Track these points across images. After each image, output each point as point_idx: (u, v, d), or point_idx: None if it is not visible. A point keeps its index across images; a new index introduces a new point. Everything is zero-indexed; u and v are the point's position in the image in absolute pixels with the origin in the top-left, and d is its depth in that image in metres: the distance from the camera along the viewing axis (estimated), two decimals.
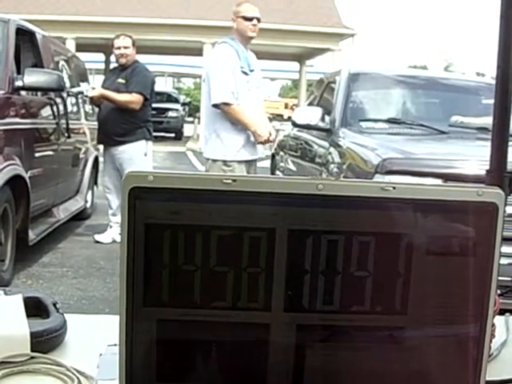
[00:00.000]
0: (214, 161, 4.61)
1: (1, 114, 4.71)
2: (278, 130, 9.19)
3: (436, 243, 0.78)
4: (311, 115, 5.65)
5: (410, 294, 0.78)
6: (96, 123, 6.74)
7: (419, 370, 0.80)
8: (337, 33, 24.08)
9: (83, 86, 7.38)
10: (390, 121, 5.52)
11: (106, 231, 6.51)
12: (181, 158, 17.65)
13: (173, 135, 24.53)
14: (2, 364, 0.96)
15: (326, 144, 5.48)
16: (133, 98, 6.09)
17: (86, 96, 6.77)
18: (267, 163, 8.69)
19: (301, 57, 27.61)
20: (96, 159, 7.99)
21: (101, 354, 1.03)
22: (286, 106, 38.69)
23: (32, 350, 1.00)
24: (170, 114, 24.32)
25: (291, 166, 6.97)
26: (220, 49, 4.64)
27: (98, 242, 6.41)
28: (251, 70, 4.65)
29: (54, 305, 1.14)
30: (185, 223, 0.74)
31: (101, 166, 7.90)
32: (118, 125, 6.15)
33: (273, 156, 8.58)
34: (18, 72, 5.20)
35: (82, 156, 7.36)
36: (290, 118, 8.02)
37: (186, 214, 0.74)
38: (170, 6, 22.92)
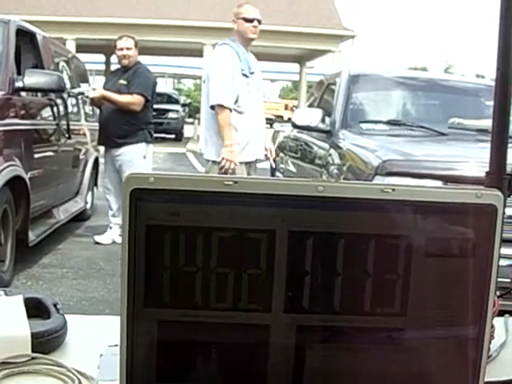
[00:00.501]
0: (215, 162, 4.60)
1: (1, 115, 4.71)
2: (277, 131, 9.20)
3: (435, 245, 0.78)
4: (311, 117, 5.65)
5: (410, 295, 0.78)
6: (96, 124, 6.74)
7: (418, 372, 0.80)
8: (337, 34, 24.09)
9: (83, 87, 7.38)
10: (390, 122, 5.53)
11: (105, 232, 6.50)
12: (181, 159, 17.66)
13: (173, 136, 24.53)
14: (2, 365, 0.97)
15: (326, 145, 5.49)
16: (134, 100, 6.07)
17: (87, 97, 6.76)
18: (267, 164, 8.68)
19: (301, 58, 27.62)
20: (96, 160, 7.99)
21: (101, 355, 1.03)
22: (286, 108, 38.72)
23: (33, 351, 1.01)
24: (171, 115, 24.32)
25: (291, 168, 6.97)
26: (220, 51, 4.63)
27: (97, 243, 6.41)
28: (251, 73, 4.64)
29: (55, 305, 1.15)
30: (185, 225, 0.75)
31: (101, 168, 7.90)
32: (118, 126, 6.12)
33: (273, 158, 8.56)
34: (19, 73, 5.20)
35: (82, 157, 7.36)
36: (290, 120, 8.02)
37: (187, 215, 0.75)
38: (171, 7, 22.93)
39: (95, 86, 7.16)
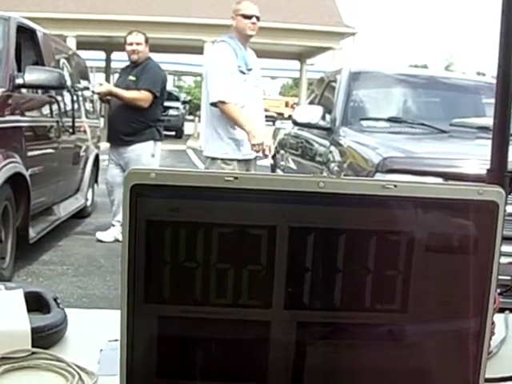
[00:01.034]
0: (214, 159, 4.60)
1: (1, 112, 4.71)
2: (278, 128, 9.20)
3: (436, 241, 0.78)
4: (312, 114, 5.65)
5: (411, 291, 0.78)
6: (96, 121, 6.70)
7: (419, 367, 0.80)
8: (338, 32, 24.08)
9: (88, 83, 7.34)
10: (390, 120, 5.52)
11: (108, 230, 6.45)
12: (181, 156, 17.66)
13: (173, 133, 24.53)
14: (2, 360, 0.96)
15: (326, 143, 5.49)
16: (141, 96, 5.98)
17: (93, 92, 6.72)
18: (267, 161, 8.68)
19: (302, 55, 27.61)
20: (97, 157, 7.99)
21: (101, 350, 1.03)
22: (287, 105, 38.76)
23: (33, 346, 1.00)
24: (171, 112, 24.30)
25: (292, 165, 6.97)
26: (218, 48, 4.63)
27: (100, 240, 6.35)
28: (249, 69, 4.64)
29: (55, 300, 1.15)
30: (186, 220, 0.75)
31: (103, 164, 7.89)
32: (126, 124, 6.03)
33: (273, 154, 8.57)
34: (19, 70, 5.19)
35: (82, 154, 7.35)
36: (290, 117, 8.02)
37: (188, 211, 0.75)
38: (171, 4, 22.92)
39: (102, 81, 7.10)
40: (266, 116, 5.12)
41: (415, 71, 8.42)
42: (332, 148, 5.28)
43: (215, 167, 4.54)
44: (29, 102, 5.39)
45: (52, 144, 5.92)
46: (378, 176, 4.11)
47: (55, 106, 5.99)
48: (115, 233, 6.30)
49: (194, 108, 33.40)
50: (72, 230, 6.91)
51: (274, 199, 0.75)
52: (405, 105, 6.00)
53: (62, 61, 6.91)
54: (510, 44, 1.81)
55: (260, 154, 4.58)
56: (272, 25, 18.68)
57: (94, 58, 24.26)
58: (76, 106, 7.13)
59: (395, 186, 0.76)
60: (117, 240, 6.15)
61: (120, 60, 15.97)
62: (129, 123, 6.05)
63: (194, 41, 22.85)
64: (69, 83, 6.62)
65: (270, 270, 0.76)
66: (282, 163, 7.66)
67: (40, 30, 6.01)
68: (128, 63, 6.40)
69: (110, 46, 25.24)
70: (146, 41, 6.26)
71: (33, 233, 5.31)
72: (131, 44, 6.17)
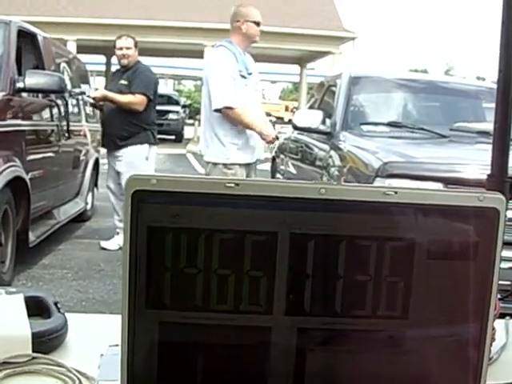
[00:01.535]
0: (215, 164, 4.60)
1: (2, 116, 4.71)
2: (278, 133, 9.20)
3: (437, 248, 0.78)
4: (312, 118, 5.65)
5: (411, 297, 0.78)
6: (97, 125, 6.70)
7: (420, 374, 0.80)
8: (338, 36, 24.11)
9: (85, 87, 7.35)
10: (390, 124, 5.52)
11: (112, 239, 6.33)
12: (181, 160, 17.66)
13: (173, 137, 24.53)
14: (3, 364, 0.96)
15: (326, 147, 5.49)
16: (136, 99, 5.99)
17: (88, 96, 6.72)
18: (267, 166, 8.69)
19: (301, 60, 27.63)
20: (96, 161, 7.99)
21: (102, 355, 1.03)
22: (287, 109, 38.72)
23: (33, 351, 1.00)
24: (171, 116, 24.33)
25: (291, 169, 6.97)
26: (217, 52, 4.62)
27: (103, 248, 6.24)
28: (249, 73, 4.64)
29: (56, 304, 1.14)
30: (187, 226, 0.75)
31: (102, 168, 7.88)
32: (120, 127, 6.03)
33: (273, 159, 8.58)
34: (20, 74, 5.20)
35: (82, 158, 7.36)
36: (290, 121, 8.02)
37: (189, 217, 0.75)
38: (171, 8, 22.95)
39: (97, 87, 7.10)
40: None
41: (415, 76, 8.42)
42: (332, 152, 5.29)
43: (217, 172, 4.53)
44: (29, 106, 5.39)
45: (52, 148, 5.92)
46: (378, 181, 4.11)
47: (55, 110, 5.99)
48: (120, 241, 6.17)
49: (193, 112, 33.39)
50: (72, 234, 6.91)
51: (275, 205, 0.75)
52: (405, 109, 6.00)
53: (63, 65, 6.92)
54: (510, 49, 1.81)
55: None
56: (272, 29, 18.69)
57: (94, 61, 24.29)
58: (76, 110, 7.14)
59: (396, 192, 0.76)
60: (121, 248, 6.05)
61: None
62: (123, 127, 6.03)
63: (194, 45, 22.87)
64: (69, 87, 6.62)
65: (271, 276, 0.76)
66: (282, 167, 7.65)
67: (40, 34, 6.02)
68: (118, 67, 6.41)
69: (110, 50, 25.11)
70: (136, 45, 6.24)
71: (33, 236, 5.31)
72: (121, 48, 6.16)
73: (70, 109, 6.54)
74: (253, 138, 4.64)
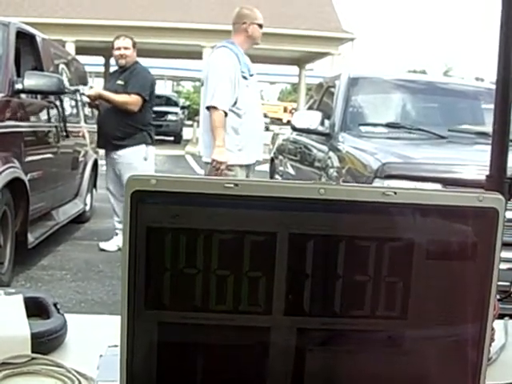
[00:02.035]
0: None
1: (0, 117, 4.71)
2: (277, 134, 9.20)
3: (436, 248, 0.78)
4: (311, 119, 5.65)
5: (411, 298, 0.78)
6: (95, 126, 6.69)
7: (419, 374, 0.80)
8: (336, 37, 24.11)
9: (80, 87, 7.34)
10: (389, 125, 5.53)
11: (111, 240, 6.33)
12: (180, 161, 17.66)
13: (172, 139, 24.53)
14: (2, 365, 0.96)
15: (325, 148, 5.49)
16: (131, 99, 5.94)
17: (83, 94, 6.68)
18: (266, 167, 8.69)
19: (300, 61, 27.63)
20: (95, 162, 7.98)
21: (101, 355, 1.03)
22: (285, 110, 38.79)
23: (33, 351, 1.00)
24: (170, 117, 24.32)
25: (290, 170, 6.98)
26: (220, 53, 4.61)
27: (102, 249, 6.23)
28: (251, 75, 4.65)
29: (55, 305, 1.15)
30: (186, 227, 0.75)
31: (101, 170, 7.88)
32: (116, 128, 5.99)
33: (272, 160, 8.58)
34: (18, 75, 5.20)
35: (81, 159, 7.36)
36: (289, 122, 8.03)
37: (188, 217, 0.75)
38: (170, 9, 22.95)
39: (93, 85, 7.08)
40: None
41: (414, 77, 8.42)
42: (331, 153, 5.29)
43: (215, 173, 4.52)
44: (28, 107, 5.39)
45: (51, 149, 5.92)
46: (377, 181, 4.11)
47: (54, 111, 5.99)
48: (119, 242, 6.11)
49: (192, 113, 33.37)
50: (71, 235, 6.91)
51: (275, 206, 0.75)
52: (403, 110, 6.01)
53: (61, 66, 6.92)
54: (509, 49, 1.81)
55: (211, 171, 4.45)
56: (271, 30, 18.66)
57: (92, 63, 24.27)
58: (75, 111, 7.14)
59: (395, 192, 0.76)
60: (120, 249, 6.01)
61: None
62: (118, 127, 5.99)
63: (193, 46, 22.86)
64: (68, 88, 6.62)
65: (270, 277, 0.76)
66: (281, 168, 7.66)
67: (39, 36, 6.02)
68: (116, 68, 6.38)
69: (108, 52, 25.03)
70: (134, 45, 6.20)
71: (31, 238, 5.31)
72: (119, 49, 6.13)
73: (69, 110, 6.53)
74: (252, 139, 4.64)
